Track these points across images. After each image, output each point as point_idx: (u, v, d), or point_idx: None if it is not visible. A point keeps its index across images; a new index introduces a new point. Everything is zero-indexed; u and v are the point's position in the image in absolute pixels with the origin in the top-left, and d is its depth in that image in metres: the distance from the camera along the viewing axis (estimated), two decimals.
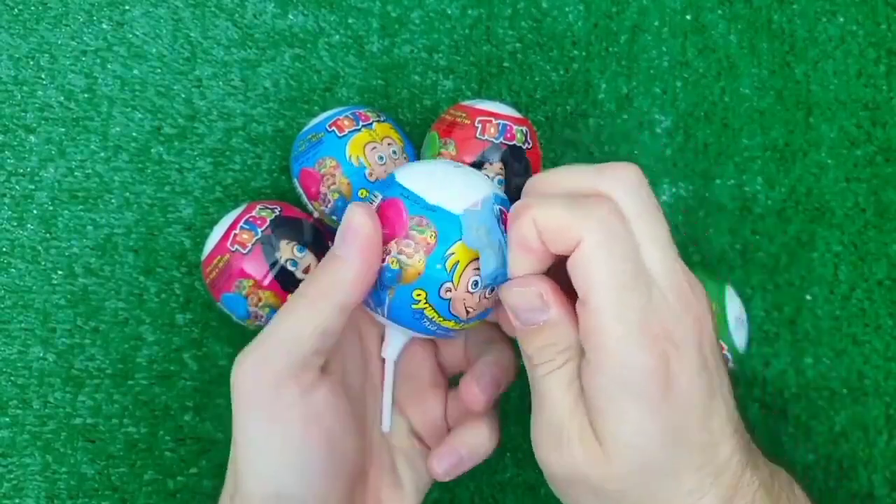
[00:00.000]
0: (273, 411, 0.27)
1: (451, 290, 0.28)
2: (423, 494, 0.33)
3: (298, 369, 0.27)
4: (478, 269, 0.28)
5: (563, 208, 0.26)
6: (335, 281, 0.27)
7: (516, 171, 0.39)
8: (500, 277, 0.29)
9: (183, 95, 0.45)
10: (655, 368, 0.25)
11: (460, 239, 0.28)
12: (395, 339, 0.31)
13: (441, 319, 0.29)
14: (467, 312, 0.29)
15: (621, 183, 0.27)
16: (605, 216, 0.26)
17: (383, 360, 0.32)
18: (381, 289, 0.29)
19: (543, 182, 0.29)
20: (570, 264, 0.26)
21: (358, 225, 0.27)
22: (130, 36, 0.45)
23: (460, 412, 0.33)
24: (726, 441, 0.26)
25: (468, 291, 0.29)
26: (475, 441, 0.32)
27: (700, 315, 0.27)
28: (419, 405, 0.33)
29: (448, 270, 0.28)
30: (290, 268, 0.35)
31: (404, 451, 0.33)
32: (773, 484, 0.28)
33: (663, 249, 0.27)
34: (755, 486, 0.27)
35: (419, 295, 0.28)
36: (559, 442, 0.27)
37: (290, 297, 0.29)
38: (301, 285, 0.29)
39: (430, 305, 0.29)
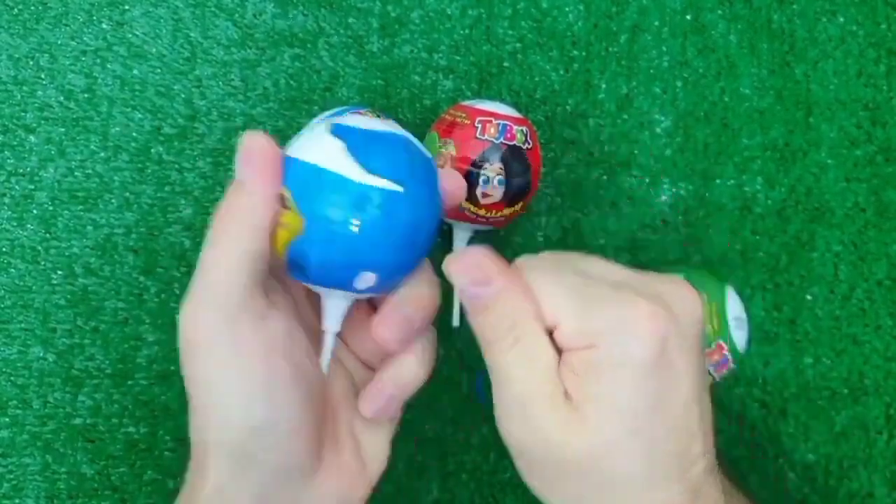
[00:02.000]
0: (229, 347, 0.26)
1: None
2: (394, 423, 0.32)
3: (243, 299, 0.27)
4: None
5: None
6: (243, 204, 0.27)
7: (516, 170, 0.39)
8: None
9: (183, 95, 0.45)
10: (648, 346, 0.25)
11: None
12: (335, 307, 0.30)
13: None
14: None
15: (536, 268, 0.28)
16: (532, 257, 0.28)
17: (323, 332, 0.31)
18: (294, 269, 0.28)
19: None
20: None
21: (254, 146, 0.27)
22: (130, 36, 0.45)
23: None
24: (703, 439, 0.26)
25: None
26: (402, 375, 0.30)
27: (693, 302, 0.27)
28: (361, 339, 0.32)
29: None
30: None
31: (362, 379, 0.32)
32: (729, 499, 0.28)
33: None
34: (718, 490, 0.27)
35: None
36: (524, 410, 0.26)
37: (207, 236, 0.28)
38: (213, 223, 0.28)
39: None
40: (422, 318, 0.30)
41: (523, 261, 0.28)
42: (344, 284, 0.28)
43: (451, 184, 0.30)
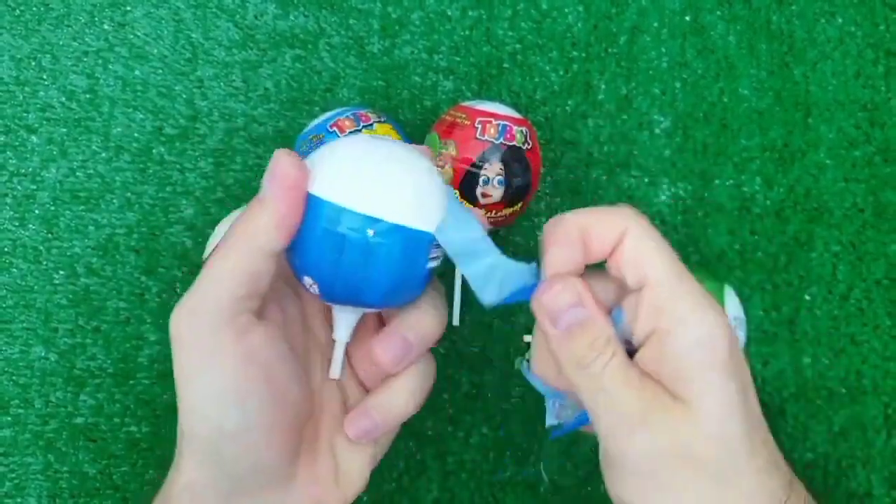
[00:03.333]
0: (209, 351, 0.27)
1: None
2: (376, 449, 0.33)
3: (230, 312, 0.27)
4: None
5: (600, 213, 0.28)
6: (258, 225, 0.27)
7: (516, 171, 0.39)
8: (498, 275, 0.28)
9: (184, 96, 0.45)
10: (727, 330, 0.26)
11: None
12: (345, 319, 0.31)
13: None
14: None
15: (633, 216, 0.29)
16: (638, 216, 0.28)
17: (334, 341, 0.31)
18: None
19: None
20: (618, 256, 0.28)
21: (281, 170, 0.28)
22: (132, 37, 0.45)
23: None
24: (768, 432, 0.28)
25: None
26: (390, 405, 0.31)
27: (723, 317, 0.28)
28: (362, 359, 0.33)
29: None
30: None
31: (356, 401, 0.33)
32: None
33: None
34: (803, 489, 0.28)
35: None
36: (645, 424, 0.26)
37: (218, 244, 0.29)
38: (227, 231, 0.29)
39: None
40: (421, 343, 0.30)
41: (626, 220, 0.28)
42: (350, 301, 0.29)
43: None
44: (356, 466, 0.32)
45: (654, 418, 0.26)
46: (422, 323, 0.30)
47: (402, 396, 0.31)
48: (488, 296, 0.28)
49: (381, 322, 0.33)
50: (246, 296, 0.28)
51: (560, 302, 0.28)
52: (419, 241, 0.28)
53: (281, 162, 0.28)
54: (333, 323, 0.31)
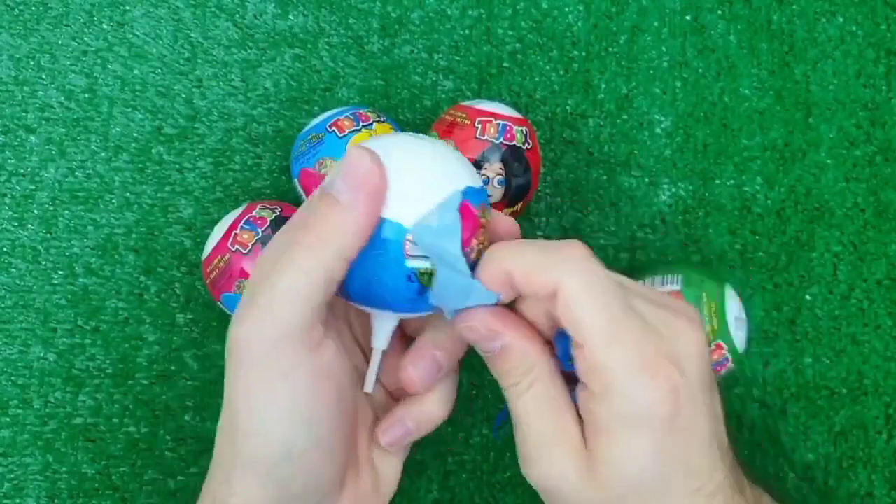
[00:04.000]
0: (284, 369, 0.25)
1: None
2: (407, 450, 0.33)
3: (308, 324, 0.25)
4: None
5: (538, 254, 0.26)
6: (339, 229, 0.25)
7: (516, 171, 0.39)
8: (457, 289, 0.27)
9: (183, 96, 0.45)
10: (664, 401, 0.25)
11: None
12: (384, 327, 0.30)
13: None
14: None
15: (574, 263, 0.26)
16: (583, 257, 0.26)
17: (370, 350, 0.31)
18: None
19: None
20: (555, 309, 0.26)
21: (366, 173, 0.25)
22: (131, 36, 0.45)
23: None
24: (720, 465, 0.27)
25: None
26: (422, 413, 0.31)
27: (697, 336, 0.27)
28: (390, 367, 0.32)
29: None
30: None
31: (382, 407, 0.33)
32: None
33: (643, 284, 0.27)
34: None
35: None
36: (547, 460, 0.27)
37: (274, 243, 0.27)
38: (291, 232, 0.26)
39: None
40: (449, 363, 0.30)
41: (565, 262, 0.26)
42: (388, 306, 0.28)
43: (506, 227, 0.30)
44: (392, 471, 0.32)
45: (552, 461, 0.26)
46: (449, 341, 0.30)
47: (435, 404, 0.31)
48: (446, 304, 0.28)
49: (406, 339, 0.33)
50: (322, 305, 0.26)
51: (471, 336, 0.27)
52: (392, 231, 0.26)
53: (364, 161, 0.26)
54: (372, 333, 0.30)
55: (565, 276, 0.25)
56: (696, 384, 0.26)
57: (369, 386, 0.31)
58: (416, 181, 0.27)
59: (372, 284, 0.27)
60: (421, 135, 0.30)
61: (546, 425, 0.27)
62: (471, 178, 0.28)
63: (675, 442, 0.25)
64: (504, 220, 0.30)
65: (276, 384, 0.25)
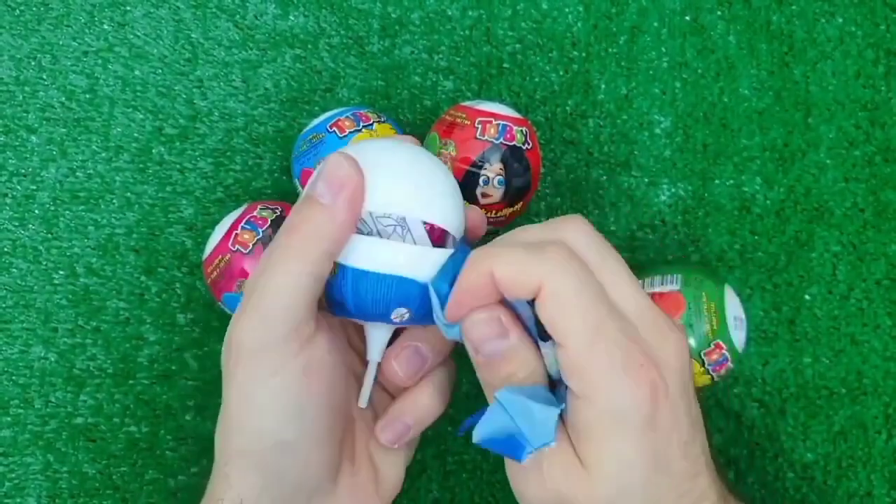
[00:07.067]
0: (271, 365, 0.27)
1: None
2: (411, 450, 0.33)
3: (297, 324, 0.27)
4: None
5: (523, 254, 0.26)
6: (322, 228, 0.27)
7: (516, 171, 0.39)
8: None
9: (184, 96, 0.45)
10: (644, 400, 0.25)
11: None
12: (378, 339, 0.31)
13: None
14: None
15: (573, 232, 0.27)
16: (565, 259, 0.26)
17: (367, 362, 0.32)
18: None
19: (499, 240, 0.29)
20: (539, 310, 0.26)
21: (344, 175, 0.27)
22: (132, 37, 0.45)
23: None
24: (704, 471, 0.27)
25: None
26: (418, 407, 0.31)
27: (679, 343, 0.27)
28: (387, 366, 0.33)
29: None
30: None
31: (382, 406, 0.33)
32: None
33: (630, 286, 0.27)
34: None
35: None
36: (540, 470, 0.27)
37: (268, 249, 0.28)
38: (281, 236, 0.28)
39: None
40: (435, 354, 0.31)
41: (552, 261, 0.26)
42: (381, 318, 0.29)
43: (474, 218, 0.32)
44: (394, 470, 0.32)
45: (546, 469, 0.27)
46: (431, 334, 0.31)
47: (430, 397, 0.31)
48: (440, 316, 0.28)
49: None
50: (310, 302, 0.27)
51: (482, 332, 0.27)
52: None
53: (342, 166, 0.27)
54: (367, 344, 0.31)
55: (546, 277, 0.25)
56: (676, 386, 0.26)
57: (363, 401, 0.31)
58: (392, 179, 0.29)
59: (364, 300, 0.28)
60: (395, 137, 0.31)
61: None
62: (444, 175, 0.30)
63: (656, 440, 0.25)
64: (469, 213, 0.31)
65: (267, 379, 0.27)
